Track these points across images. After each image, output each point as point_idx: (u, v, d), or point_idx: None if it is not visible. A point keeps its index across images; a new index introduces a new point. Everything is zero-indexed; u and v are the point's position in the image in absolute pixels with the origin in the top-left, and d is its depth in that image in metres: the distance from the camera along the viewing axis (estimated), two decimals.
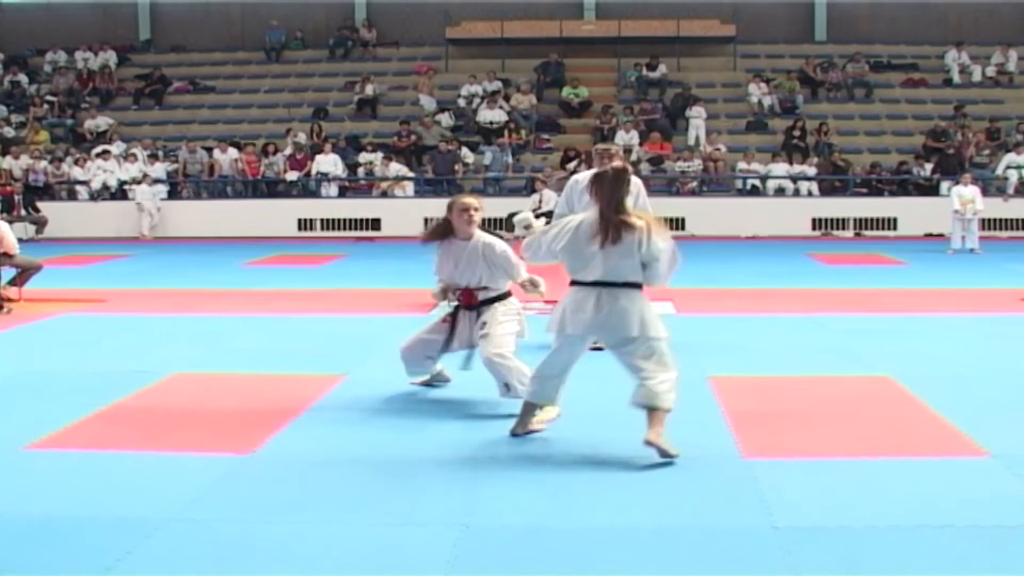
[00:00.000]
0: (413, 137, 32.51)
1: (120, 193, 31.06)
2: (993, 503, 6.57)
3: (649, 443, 7.47)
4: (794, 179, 30.69)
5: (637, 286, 7.91)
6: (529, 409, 8.23)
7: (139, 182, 30.43)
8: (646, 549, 5.90)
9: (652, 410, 7.61)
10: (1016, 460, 7.43)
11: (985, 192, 26.67)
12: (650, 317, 7.90)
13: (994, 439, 7.90)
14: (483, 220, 9.64)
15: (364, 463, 7.50)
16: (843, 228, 29.48)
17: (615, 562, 5.75)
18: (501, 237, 9.75)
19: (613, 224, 7.71)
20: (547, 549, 5.91)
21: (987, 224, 27.75)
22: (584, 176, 11.58)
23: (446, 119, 33.67)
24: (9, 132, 34.34)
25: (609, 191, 7.77)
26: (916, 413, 8.91)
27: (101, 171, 31.38)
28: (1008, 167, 29.97)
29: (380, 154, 31.64)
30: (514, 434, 8.19)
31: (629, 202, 8.07)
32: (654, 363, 7.79)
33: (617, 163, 8.75)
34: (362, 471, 7.31)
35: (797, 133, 31.97)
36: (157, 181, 30.97)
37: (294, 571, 5.65)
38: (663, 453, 7.45)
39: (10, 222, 17.03)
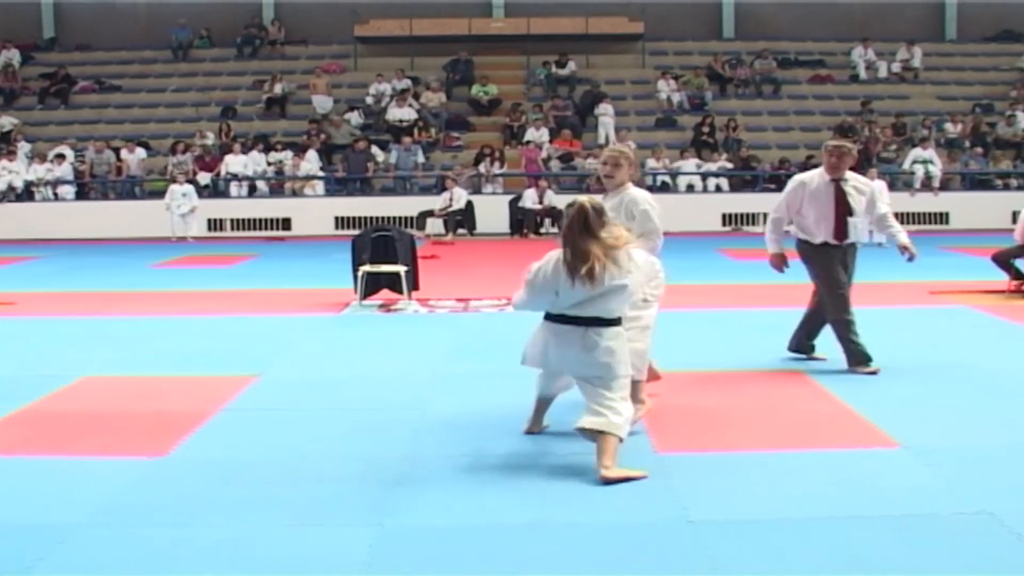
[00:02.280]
0: (323, 136, 32.38)
1: (27, 194, 30.70)
2: (904, 493, 6.66)
3: (606, 480, 6.93)
4: (704, 175, 30.92)
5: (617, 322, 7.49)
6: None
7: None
8: (561, 545, 5.91)
9: (603, 436, 7.16)
10: (926, 450, 7.53)
11: (892, 187, 27.01)
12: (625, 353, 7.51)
13: (904, 430, 8.01)
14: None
15: (279, 464, 7.46)
16: (753, 223, 29.70)
17: (530, 559, 5.75)
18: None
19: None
20: (462, 548, 5.91)
21: (894, 218, 28.12)
22: (813, 178, 11.12)
23: (355, 117, 33.57)
24: None
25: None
26: (828, 406, 9.01)
27: (6, 171, 30.95)
28: (915, 162, 30.34)
29: (290, 152, 31.48)
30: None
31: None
32: (617, 394, 7.34)
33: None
34: (277, 472, 7.28)
35: (706, 130, 32.21)
36: (68, 182, 30.70)
37: (209, 574, 5.61)
38: (627, 479, 6.98)
39: None
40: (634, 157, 9.37)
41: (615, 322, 7.43)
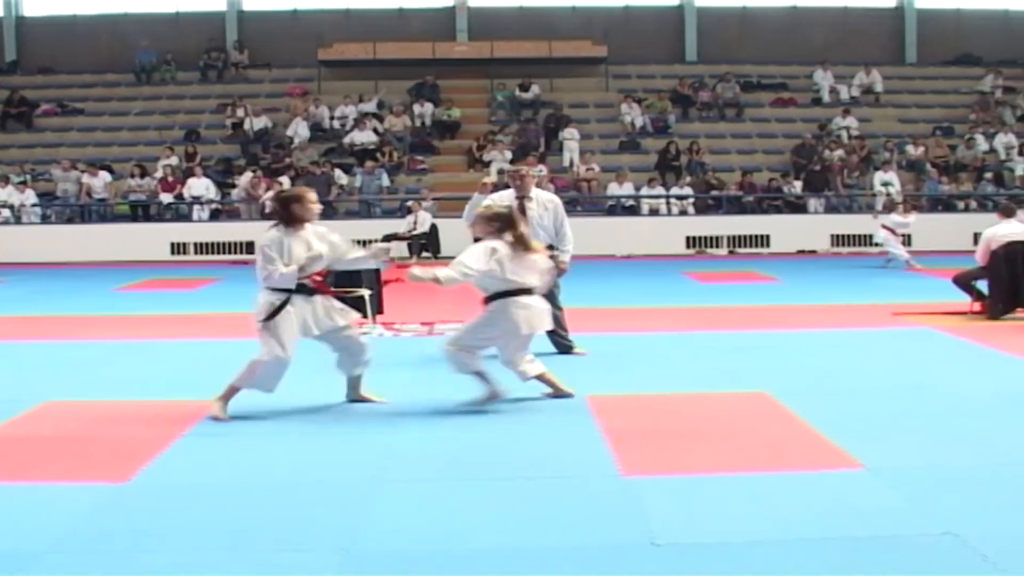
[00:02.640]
0: (287, 160, 32.32)
1: None
2: (869, 514, 6.65)
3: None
4: (667, 198, 31.01)
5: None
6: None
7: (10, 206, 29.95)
8: (526, 569, 5.88)
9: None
10: (890, 471, 7.54)
11: (854, 209, 27.20)
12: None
13: (868, 452, 8.01)
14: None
15: (243, 489, 7.41)
16: (717, 246, 29.81)
17: None
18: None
19: None
20: (426, 572, 5.88)
21: (858, 240, 28.33)
22: (502, 196, 12.55)
23: (318, 141, 33.56)
24: None
25: None
26: (792, 428, 9.01)
27: None
28: (884, 184, 30.49)
29: (249, 174, 31.38)
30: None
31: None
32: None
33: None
34: (241, 497, 7.23)
35: (671, 153, 32.27)
36: (35, 206, 30.63)
37: None
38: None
39: None
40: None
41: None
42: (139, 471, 7.86)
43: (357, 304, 14.73)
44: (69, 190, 31.65)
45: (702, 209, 31.23)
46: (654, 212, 31.14)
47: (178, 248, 29.92)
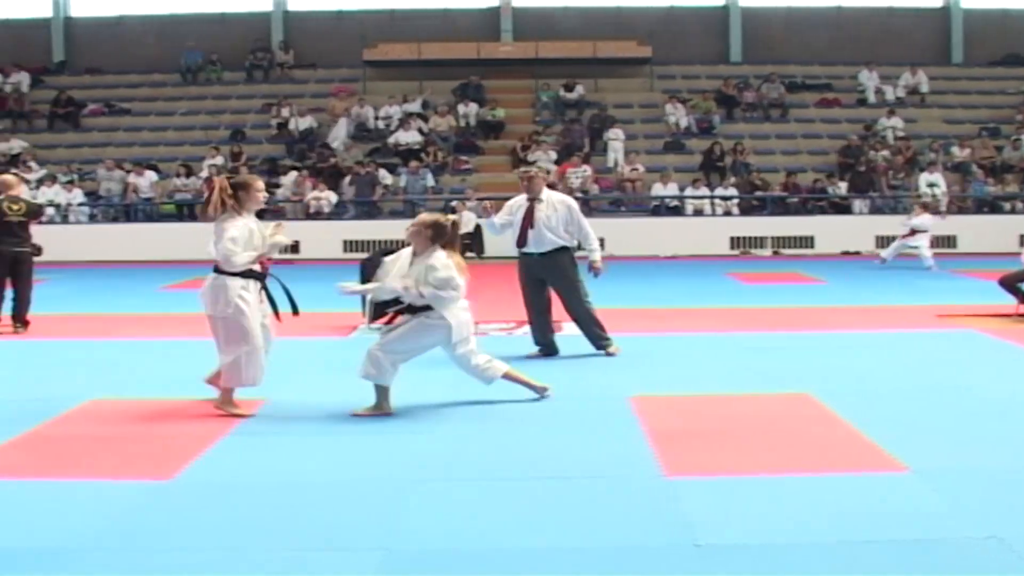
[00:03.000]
0: (332, 160, 32.40)
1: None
2: (913, 517, 6.61)
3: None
4: (712, 199, 30.92)
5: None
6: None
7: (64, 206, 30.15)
8: (567, 569, 5.87)
9: None
10: (934, 474, 7.49)
11: (900, 211, 27.05)
12: None
13: (912, 454, 7.96)
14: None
15: (285, 488, 7.43)
16: (761, 247, 29.70)
17: None
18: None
19: None
20: (468, 573, 5.87)
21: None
22: (518, 200, 12.95)
23: (364, 141, 33.64)
24: None
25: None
26: (836, 430, 8.96)
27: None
28: (929, 185, 30.32)
29: (295, 173, 31.49)
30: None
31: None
32: None
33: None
34: (283, 496, 7.24)
35: (716, 154, 32.16)
36: (81, 205, 30.84)
37: None
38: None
39: None
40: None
41: None
42: (182, 469, 7.89)
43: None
44: (113, 189, 31.83)
45: (746, 210, 31.12)
46: (698, 212, 31.06)
47: None
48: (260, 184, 10.44)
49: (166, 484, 7.52)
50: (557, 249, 12.66)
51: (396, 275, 9.96)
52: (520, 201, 12.91)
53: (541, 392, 10.13)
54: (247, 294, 10.03)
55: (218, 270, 10.02)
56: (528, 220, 12.71)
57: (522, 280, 12.99)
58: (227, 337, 9.97)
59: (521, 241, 12.80)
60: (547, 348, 12.86)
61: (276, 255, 10.44)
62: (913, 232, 24.80)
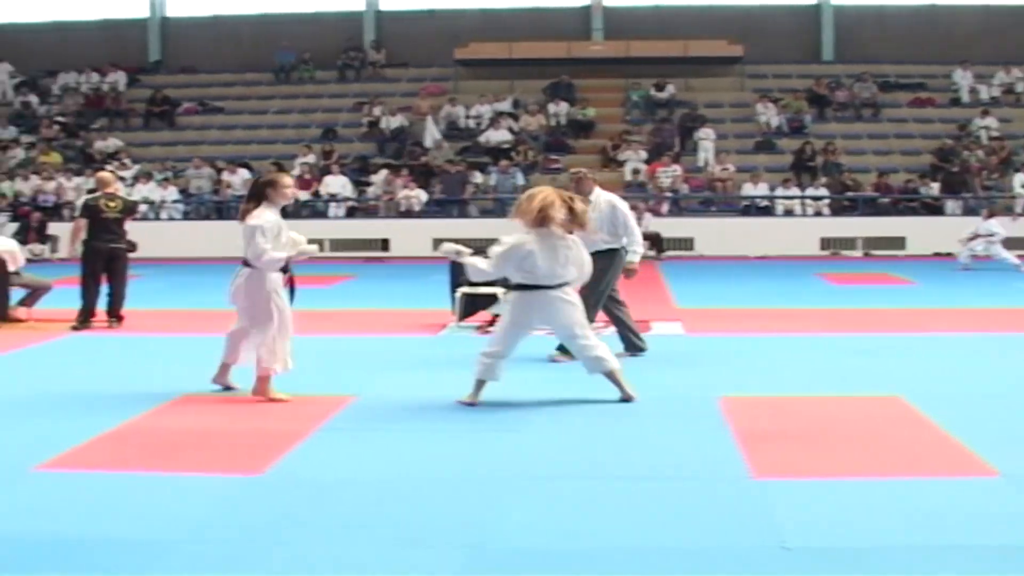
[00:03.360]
0: (423, 159, 32.54)
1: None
2: (1003, 522, 6.54)
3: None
4: (802, 199, 30.71)
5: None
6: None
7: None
8: (653, 569, 5.87)
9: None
10: None
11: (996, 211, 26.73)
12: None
13: (1004, 458, 7.86)
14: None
15: (374, 484, 7.48)
16: (851, 248, 29.46)
17: None
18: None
19: None
20: (557, 571, 5.88)
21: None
22: None
23: (454, 140, 33.76)
24: (20, 154, 34.42)
25: None
26: (926, 433, 8.88)
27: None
28: (1023, 185, 29.94)
29: (385, 172, 31.66)
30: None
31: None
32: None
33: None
34: (372, 492, 7.29)
35: (807, 154, 31.92)
36: (175, 202, 31.22)
37: None
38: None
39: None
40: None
41: None
42: (273, 464, 7.96)
43: (491, 302, 14.76)
44: (203, 187, 32.15)
45: (837, 210, 30.87)
46: (789, 213, 30.87)
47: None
48: (287, 180, 10.76)
49: (257, 478, 7.60)
50: (604, 251, 12.19)
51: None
52: None
53: (629, 399, 10.06)
54: (277, 286, 10.42)
55: (248, 263, 10.25)
56: None
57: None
58: (256, 320, 10.35)
59: None
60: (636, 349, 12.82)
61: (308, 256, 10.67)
62: (976, 236, 24.59)
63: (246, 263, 10.33)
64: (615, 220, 12.50)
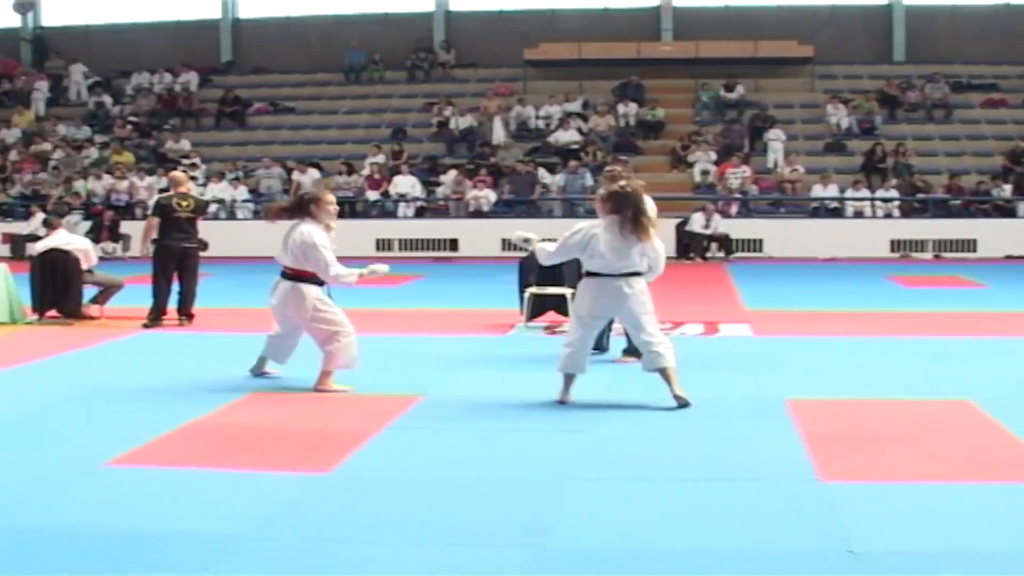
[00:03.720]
0: (492, 159, 32.57)
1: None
2: None
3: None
4: (872, 201, 30.48)
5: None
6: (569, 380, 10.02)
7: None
8: (717, 571, 5.84)
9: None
10: None
11: None
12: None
13: None
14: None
15: (440, 483, 7.50)
16: (922, 250, 29.21)
17: None
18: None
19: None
20: (618, 572, 5.87)
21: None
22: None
23: (523, 140, 33.78)
24: (93, 153, 34.80)
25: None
26: (996, 438, 8.78)
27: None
28: None
29: (454, 172, 31.72)
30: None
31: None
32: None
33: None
34: (438, 491, 7.31)
35: (877, 155, 31.67)
36: (246, 201, 31.45)
37: None
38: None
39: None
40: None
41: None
42: (341, 462, 8.01)
43: (559, 303, 14.74)
44: (273, 187, 32.34)
45: (907, 212, 30.60)
46: (858, 214, 30.62)
47: (383, 244, 30.33)
48: (331, 197, 11.06)
49: (324, 476, 7.64)
50: None
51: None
52: None
53: (680, 401, 9.85)
54: (318, 293, 10.68)
55: (290, 276, 10.46)
56: None
57: None
58: (319, 332, 10.60)
59: None
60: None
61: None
62: None
63: (287, 276, 10.50)
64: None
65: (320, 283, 10.73)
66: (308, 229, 10.56)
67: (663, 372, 9.96)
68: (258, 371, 11.47)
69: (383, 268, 11.05)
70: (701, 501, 7.05)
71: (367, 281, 10.99)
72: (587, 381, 10.41)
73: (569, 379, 10.04)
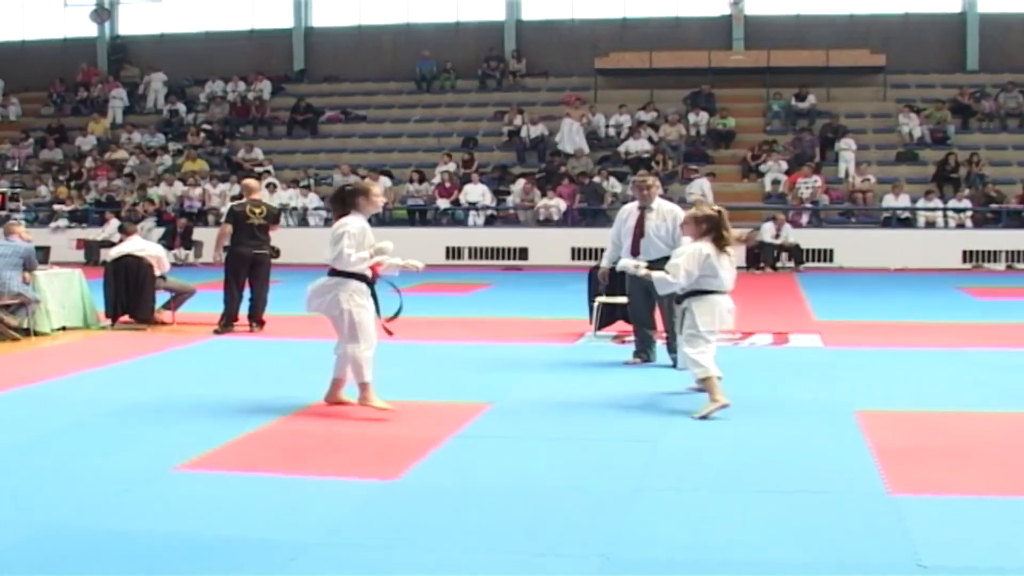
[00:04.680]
0: (563, 168, 32.54)
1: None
2: None
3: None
4: (944, 211, 30.20)
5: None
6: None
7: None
8: None
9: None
10: None
11: None
12: None
13: None
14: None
15: (508, 492, 7.49)
16: (995, 261, 28.90)
17: None
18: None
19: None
20: None
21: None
22: (629, 207, 13.13)
23: (594, 149, 33.74)
24: (167, 160, 35.13)
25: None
26: None
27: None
28: None
29: (522, 181, 31.71)
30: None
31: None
32: None
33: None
34: (505, 500, 7.30)
35: (950, 165, 31.37)
36: (317, 209, 31.63)
37: None
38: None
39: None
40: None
41: None
42: (409, 469, 8.01)
43: (626, 311, 14.69)
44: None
45: (980, 222, 30.30)
46: (930, 225, 30.37)
47: (453, 252, 30.40)
48: (377, 189, 10.71)
49: (392, 483, 7.65)
50: (666, 258, 12.09)
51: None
52: (631, 209, 13.08)
53: (719, 407, 9.91)
54: (359, 297, 10.18)
55: (332, 272, 10.21)
56: (639, 228, 12.78)
57: (629, 288, 12.96)
58: (347, 333, 10.19)
59: (635, 249, 12.72)
60: (647, 356, 12.89)
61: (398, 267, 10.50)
62: None
63: (332, 272, 10.30)
64: (677, 229, 12.31)
65: (365, 280, 10.34)
66: (345, 220, 10.22)
67: (704, 383, 10.13)
68: (333, 398, 10.74)
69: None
70: (769, 513, 6.99)
71: (390, 270, 10.61)
72: (655, 392, 10.36)
73: (710, 382, 10.00)
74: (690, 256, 10.11)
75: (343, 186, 10.78)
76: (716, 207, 10.51)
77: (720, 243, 10.16)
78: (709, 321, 10.13)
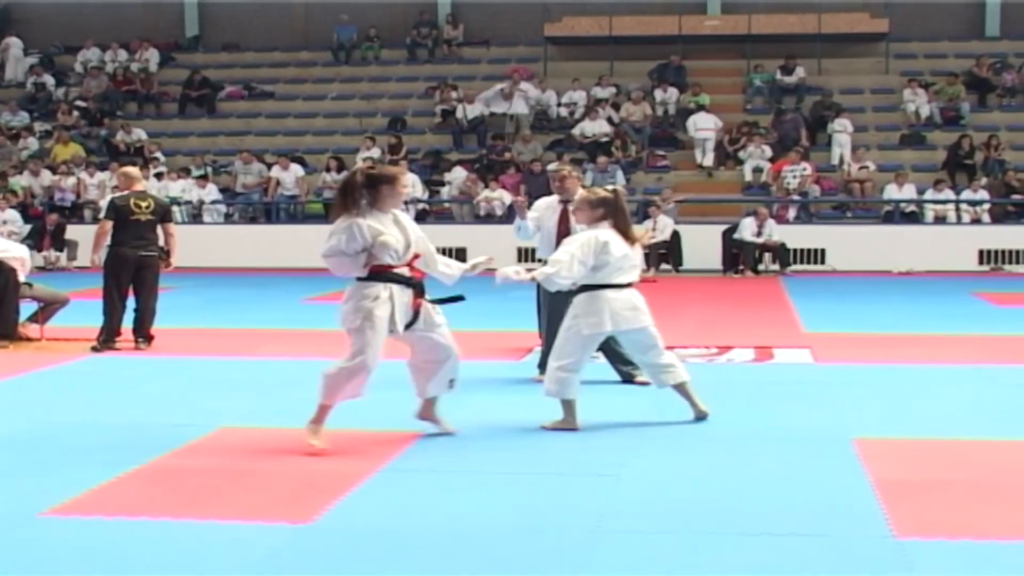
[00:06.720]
0: (508, 154, 32.53)
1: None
2: None
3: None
4: (957, 204, 30.40)
5: None
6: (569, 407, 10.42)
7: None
8: None
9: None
10: None
11: None
12: None
13: None
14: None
15: (442, 536, 7.46)
16: (1016, 262, 29.12)
17: None
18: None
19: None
20: None
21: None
22: (546, 202, 13.37)
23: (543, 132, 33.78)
24: (32, 143, 34.80)
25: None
26: None
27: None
28: None
29: (460, 169, 31.70)
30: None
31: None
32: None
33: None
34: (439, 546, 7.27)
35: (964, 149, 31.59)
36: (215, 203, 31.49)
37: None
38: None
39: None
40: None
41: None
42: (325, 511, 7.99)
43: None
44: (251, 185, 32.38)
45: (999, 217, 30.55)
46: (940, 220, 30.57)
47: None
48: (406, 179, 10.67)
49: (306, 527, 7.62)
50: None
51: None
52: (550, 203, 13.29)
53: (701, 415, 10.60)
54: (382, 304, 9.99)
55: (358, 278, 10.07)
56: (564, 226, 12.83)
57: (545, 294, 12.74)
58: (352, 339, 10.09)
59: None
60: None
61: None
62: None
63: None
64: None
65: (383, 279, 10.17)
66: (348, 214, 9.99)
67: (679, 388, 10.59)
68: (424, 416, 10.64)
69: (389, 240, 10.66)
70: (753, 560, 7.00)
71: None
72: (623, 407, 10.38)
73: (569, 405, 10.45)
74: (584, 245, 10.34)
75: (360, 169, 10.36)
76: (612, 187, 10.90)
77: (619, 229, 10.44)
78: (596, 323, 10.35)
